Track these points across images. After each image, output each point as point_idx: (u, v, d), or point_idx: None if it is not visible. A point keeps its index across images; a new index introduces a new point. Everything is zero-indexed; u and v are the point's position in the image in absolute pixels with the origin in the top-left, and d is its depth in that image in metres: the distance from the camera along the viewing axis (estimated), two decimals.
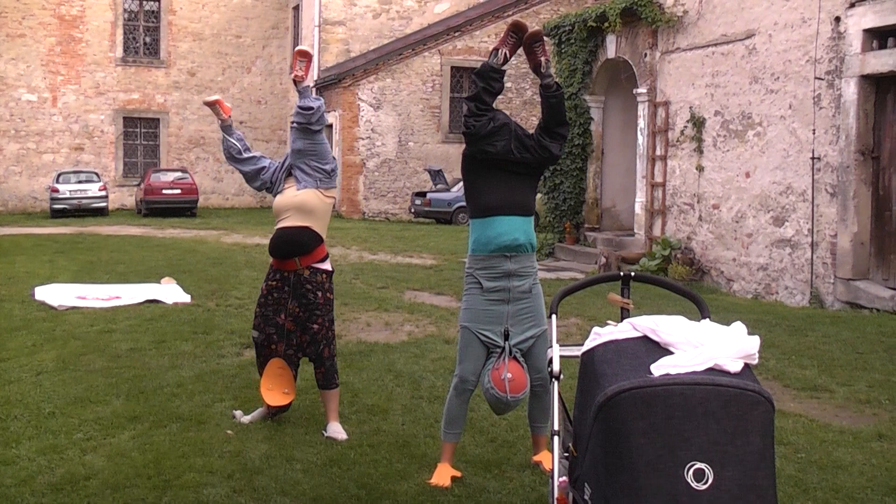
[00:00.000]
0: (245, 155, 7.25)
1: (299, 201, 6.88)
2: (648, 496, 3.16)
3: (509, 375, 5.63)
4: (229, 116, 7.36)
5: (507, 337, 5.81)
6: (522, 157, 5.89)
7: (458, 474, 5.88)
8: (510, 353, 5.76)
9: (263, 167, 7.21)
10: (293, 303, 6.91)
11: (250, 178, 7.27)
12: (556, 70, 21.99)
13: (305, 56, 7.07)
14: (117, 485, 5.66)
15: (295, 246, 6.86)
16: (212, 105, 7.35)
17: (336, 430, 6.76)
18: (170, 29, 40.70)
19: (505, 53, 5.86)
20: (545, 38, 5.98)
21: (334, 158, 7.23)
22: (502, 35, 5.94)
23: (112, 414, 7.26)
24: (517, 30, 5.86)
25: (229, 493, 5.55)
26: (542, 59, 5.85)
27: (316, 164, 6.94)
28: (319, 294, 6.92)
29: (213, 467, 6.00)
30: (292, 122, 7.06)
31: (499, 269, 5.83)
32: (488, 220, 5.87)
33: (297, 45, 40.13)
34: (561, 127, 6.01)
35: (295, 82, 7.03)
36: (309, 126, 6.91)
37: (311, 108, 6.88)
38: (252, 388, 7.90)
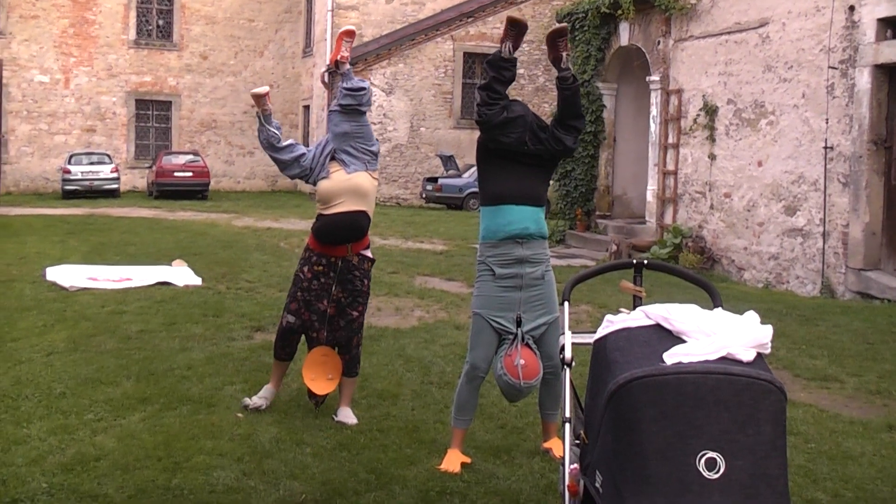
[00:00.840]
0: (283, 143, 7.06)
1: (354, 184, 6.74)
2: (659, 484, 3.16)
3: (522, 362, 5.64)
4: (270, 106, 7.11)
5: (519, 324, 5.81)
6: (536, 149, 5.91)
7: (468, 460, 5.89)
8: (522, 339, 5.77)
9: (302, 154, 7.00)
10: (338, 288, 6.81)
11: (288, 165, 7.02)
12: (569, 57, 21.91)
13: (352, 36, 7.00)
14: (127, 466, 5.67)
15: (355, 231, 6.77)
16: (259, 97, 7.05)
17: (347, 414, 6.75)
18: (182, 12, 40.67)
19: (509, 47, 5.90)
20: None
21: (377, 141, 7.12)
22: (503, 30, 5.98)
23: (122, 395, 7.27)
24: (513, 24, 5.91)
25: (239, 475, 5.56)
26: (563, 53, 5.89)
27: (363, 146, 6.82)
28: (365, 281, 6.88)
29: (222, 450, 6.01)
30: (334, 107, 6.89)
31: (511, 256, 5.84)
32: (498, 208, 5.88)
33: (310, 29, 40.15)
34: (576, 120, 6.02)
35: (337, 65, 6.87)
36: (359, 107, 6.79)
37: (364, 89, 6.78)
38: (262, 372, 7.92)
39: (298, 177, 7.05)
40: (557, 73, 5.94)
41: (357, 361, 6.96)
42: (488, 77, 5.96)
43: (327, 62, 7.15)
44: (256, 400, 6.95)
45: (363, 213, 6.77)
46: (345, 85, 6.80)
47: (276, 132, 7.01)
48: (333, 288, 6.81)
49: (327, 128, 7.07)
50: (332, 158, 6.83)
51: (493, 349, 5.89)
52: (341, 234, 6.75)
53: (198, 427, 6.49)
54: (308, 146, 7.22)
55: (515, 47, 5.93)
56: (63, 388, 7.43)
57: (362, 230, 6.80)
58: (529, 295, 5.86)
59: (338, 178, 6.75)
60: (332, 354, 6.85)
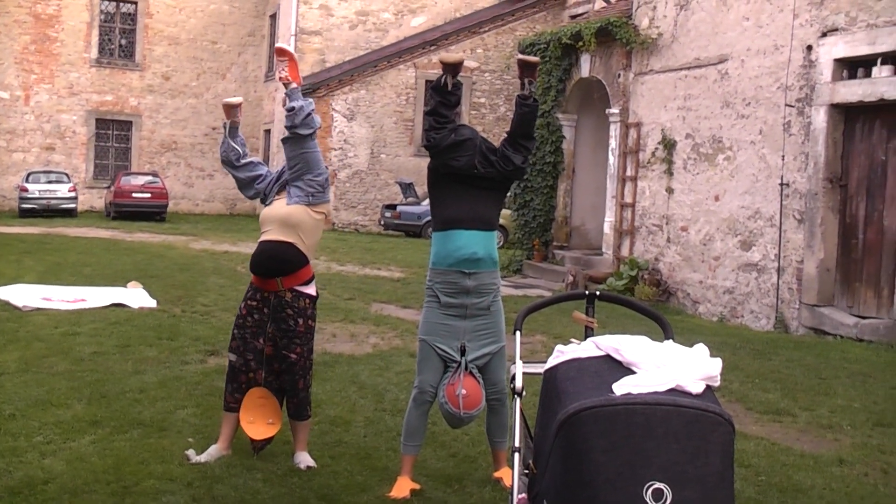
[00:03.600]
0: (243, 161, 6.74)
1: (285, 214, 6.36)
2: None
3: (464, 392, 5.64)
4: (239, 119, 6.82)
5: (463, 352, 5.82)
6: (487, 171, 5.94)
7: (418, 487, 5.88)
8: (466, 368, 5.77)
9: (260, 175, 6.71)
10: (272, 326, 6.37)
11: (244, 185, 6.75)
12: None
13: (284, 55, 6.58)
14: (76, 489, 5.61)
15: (275, 262, 6.32)
16: (231, 107, 6.74)
17: (304, 458, 6.35)
18: (146, 32, 40.53)
19: (447, 80, 5.98)
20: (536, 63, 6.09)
21: (326, 168, 6.66)
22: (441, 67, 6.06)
23: (73, 418, 7.20)
24: (446, 65, 6.00)
25: (189, 500, 5.52)
26: (528, 80, 5.98)
27: (310, 178, 6.39)
28: (301, 321, 6.38)
29: (173, 474, 5.96)
30: (284, 135, 6.57)
31: (457, 286, 5.85)
32: (448, 233, 5.91)
33: (273, 53, 40.08)
34: (526, 140, 6.05)
35: (284, 85, 6.52)
36: (295, 129, 6.35)
37: (293, 108, 6.34)
38: (215, 396, 7.86)
39: (254, 198, 6.83)
40: (520, 91, 6.00)
41: (307, 404, 6.51)
42: (434, 102, 6.03)
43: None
44: (201, 456, 6.35)
45: (289, 245, 6.34)
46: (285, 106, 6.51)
47: (238, 148, 6.71)
48: (269, 325, 6.39)
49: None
50: (283, 187, 6.56)
51: (439, 373, 5.89)
52: (265, 263, 6.37)
53: (148, 451, 6.43)
54: (271, 170, 6.92)
55: (454, 78, 6.01)
56: (13, 410, 7.34)
57: (286, 262, 6.34)
58: (475, 324, 5.88)
59: (275, 207, 6.49)
60: (271, 397, 6.42)
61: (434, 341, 5.89)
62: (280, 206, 6.45)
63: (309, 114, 6.41)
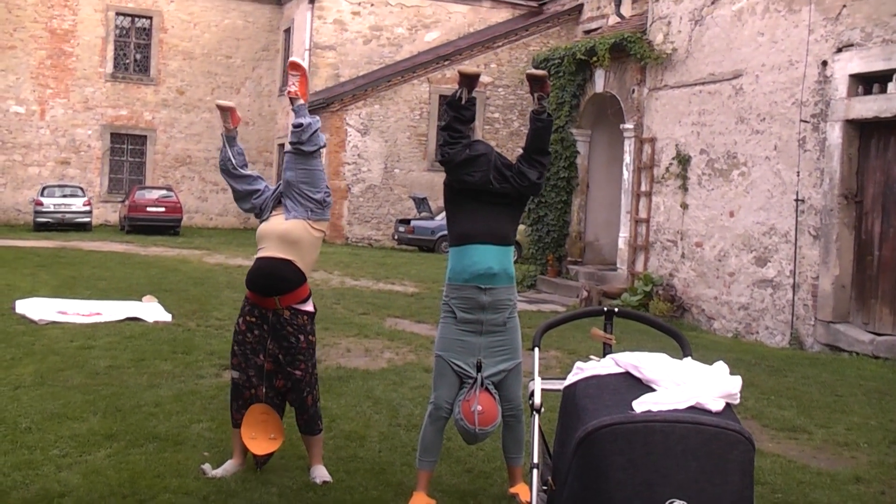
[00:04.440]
0: (241, 172, 6.63)
1: (283, 230, 6.27)
2: None
3: (479, 408, 5.63)
4: (236, 128, 6.78)
5: (479, 368, 5.81)
6: (502, 187, 5.94)
7: (433, 502, 5.87)
8: (482, 384, 5.77)
9: (257, 189, 6.60)
10: (273, 344, 6.30)
11: (241, 197, 6.64)
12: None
13: (297, 69, 6.48)
14: (92, 503, 5.63)
15: (274, 280, 6.23)
16: (224, 110, 6.70)
17: (320, 473, 6.32)
18: (160, 47, 40.67)
19: (463, 94, 6.05)
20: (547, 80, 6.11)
21: (328, 188, 6.54)
22: (458, 80, 6.11)
23: (89, 431, 7.21)
24: (464, 76, 6.05)
25: None
26: (538, 94, 6.01)
27: (307, 193, 6.32)
28: (301, 337, 6.32)
29: (188, 488, 5.96)
30: (288, 148, 6.50)
31: (473, 302, 5.85)
32: (464, 248, 5.91)
33: (287, 68, 40.17)
34: (541, 155, 6.06)
35: (291, 100, 6.45)
36: (300, 146, 6.30)
37: (301, 124, 6.29)
38: (230, 410, 7.87)
39: (250, 212, 6.68)
40: (533, 106, 6.02)
41: (318, 418, 6.46)
42: (449, 117, 6.07)
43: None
44: (217, 471, 6.37)
45: (287, 263, 6.25)
46: (291, 121, 6.46)
47: (234, 158, 6.62)
48: (269, 342, 6.30)
49: None
50: (280, 202, 6.47)
51: (455, 390, 5.88)
52: (262, 281, 6.26)
53: (164, 465, 6.44)
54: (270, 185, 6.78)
55: (470, 92, 6.06)
56: (29, 423, 7.36)
57: (285, 281, 6.25)
58: (490, 340, 5.87)
59: (273, 222, 6.38)
60: (272, 413, 6.38)
61: (450, 357, 5.88)
62: (278, 222, 6.37)
63: (315, 131, 6.37)
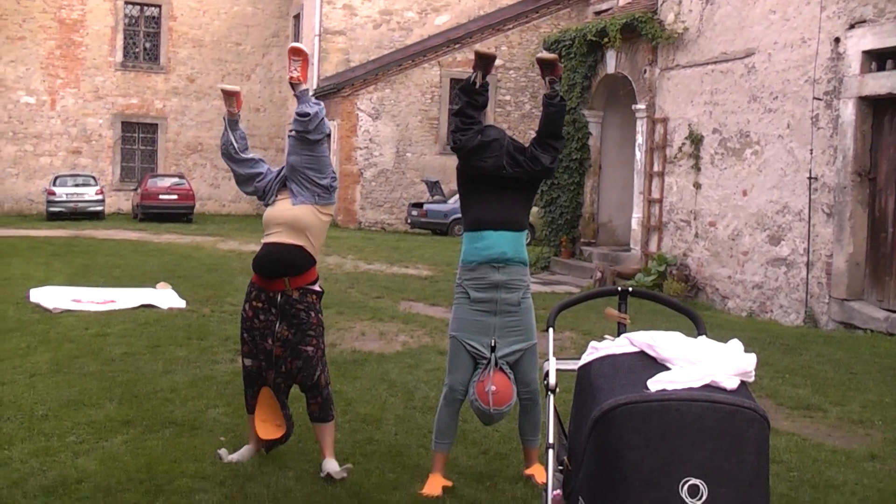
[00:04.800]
0: (242, 155, 6.57)
1: (292, 217, 6.22)
2: None
3: (493, 388, 5.64)
4: (239, 112, 6.68)
5: (493, 349, 5.82)
6: (514, 172, 5.92)
7: (450, 484, 5.88)
8: (496, 364, 5.77)
9: (259, 173, 6.52)
10: (282, 325, 6.21)
11: (243, 181, 6.60)
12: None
13: (298, 54, 6.30)
14: (109, 489, 5.65)
15: (284, 266, 6.18)
16: (230, 94, 6.58)
17: (333, 467, 6.10)
18: (170, 35, 40.71)
19: (479, 76, 6.05)
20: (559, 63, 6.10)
21: (335, 173, 6.51)
22: (474, 62, 6.10)
23: (105, 418, 7.25)
24: (481, 57, 6.04)
25: (221, 499, 5.54)
26: (549, 78, 5.98)
27: (313, 178, 6.26)
28: (312, 314, 6.23)
29: (205, 473, 5.99)
30: (290, 132, 6.46)
31: (486, 280, 5.85)
32: (478, 233, 5.92)
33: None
34: (555, 139, 6.04)
35: (292, 86, 6.33)
36: (306, 134, 6.22)
37: (307, 115, 6.19)
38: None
39: (252, 195, 6.62)
40: (546, 91, 6.00)
41: (330, 403, 6.30)
42: (461, 102, 6.06)
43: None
44: (234, 456, 6.38)
45: (298, 248, 6.20)
46: (295, 109, 6.38)
47: (236, 142, 6.55)
48: (277, 325, 6.22)
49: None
50: (284, 185, 6.40)
51: (469, 372, 5.89)
52: (272, 266, 6.21)
53: (180, 450, 6.46)
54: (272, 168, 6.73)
55: (485, 76, 6.05)
56: (45, 410, 7.40)
57: (296, 266, 6.20)
58: (505, 321, 5.87)
59: (280, 207, 6.32)
60: (276, 399, 6.31)
61: (464, 337, 5.88)
62: (286, 208, 6.30)
63: (322, 119, 6.31)
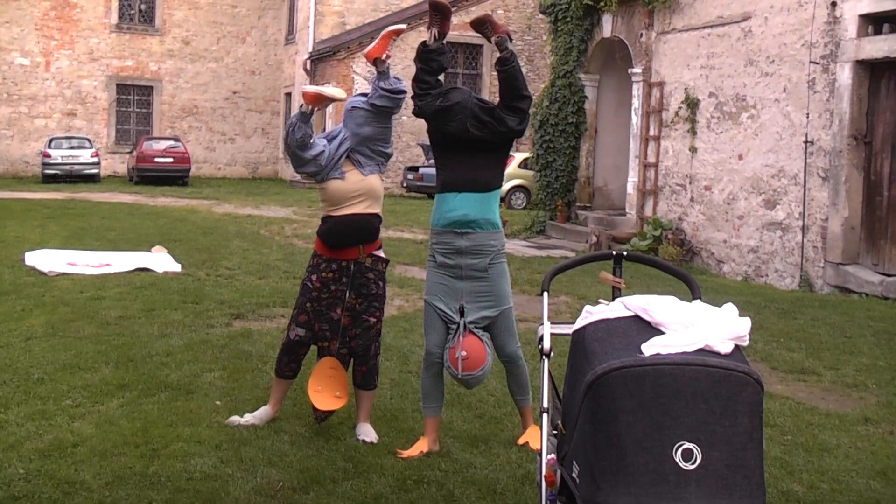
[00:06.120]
0: (312, 142, 6.46)
1: (369, 186, 6.30)
2: (636, 475, 3.16)
3: (463, 353, 5.70)
4: (313, 107, 6.51)
5: (462, 313, 5.85)
6: (482, 134, 5.88)
7: (426, 449, 5.90)
8: (465, 328, 5.80)
9: (320, 152, 6.37)
10: (352, 294, 6.29)
11: (305, 163, 6.38)
12: (552, 48, 22.00)
13: (399, 35, 6.44)
14: (105, 452, 5.66)
15: (367, 234, 6.29)
16: (323, 98, 6.45)
17: (367, 431, 6.24)
18: None
19: (435, 33, 5.96)
20: (493, 18, 6.07)
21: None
22: (428, 17, 6.00)
23: (101, 381, 7.25)
24: (436, 8, 5.93)
25: (216, 462, 5.56)
26: (493, 38, 5.97)
27: (379, 148, 6.39)
28: (381, 283, 6.38)
29: (200, 437, 6.00)
30: (361, 104, 6.38)
31: (450, 246, 5.88)
32: (444, 195, 5.94)
33: (293, 16, 40.00)
34: (519, 101, 5.94)
35: (376, 62, 6.33)
36: (393, 110, 6.37)
37: (404, 92, 6.30)
38: (241, 359, 7.94)
39: (310, 174, 6.48)
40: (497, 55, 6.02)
41: (375, 372, 6.42)
42: (417, 69, 6.02)
43: (365, 55, 6.51)
44: (248, 417, 6.43)
45: (376, 216, 6.35)
46: (382, 85, 6.29)
47: (312, 132, 6.44)
48: (347, 294, 6.30)
49: (343, 121, 6.51)
50: (346, 157, 6.35)
51: (443, 334, 5.93)
52: (356, 235, 6.28)
53: (176, 414, 6.48)
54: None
55: (442, 34, 5.97)
56: (41, 374, 7.40)
57: (375, 232, 6.35)
58: (473, 286, 5.89)
59: (353, 179, 6.29)
60: (341, 369, 6.33)
61: (433, 300, 5.94)
62: (359, 178, 6.31)
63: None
